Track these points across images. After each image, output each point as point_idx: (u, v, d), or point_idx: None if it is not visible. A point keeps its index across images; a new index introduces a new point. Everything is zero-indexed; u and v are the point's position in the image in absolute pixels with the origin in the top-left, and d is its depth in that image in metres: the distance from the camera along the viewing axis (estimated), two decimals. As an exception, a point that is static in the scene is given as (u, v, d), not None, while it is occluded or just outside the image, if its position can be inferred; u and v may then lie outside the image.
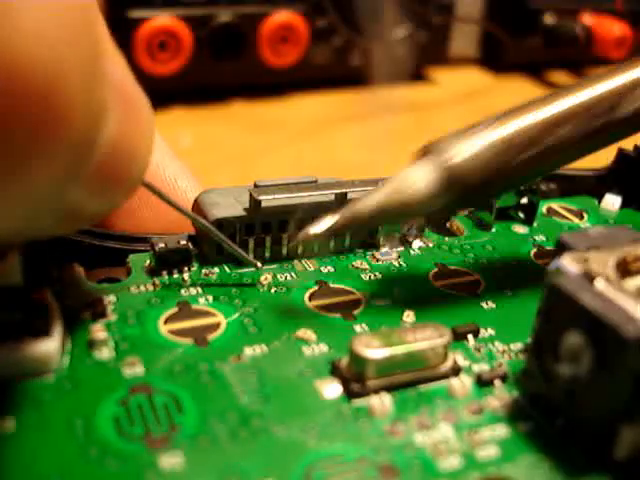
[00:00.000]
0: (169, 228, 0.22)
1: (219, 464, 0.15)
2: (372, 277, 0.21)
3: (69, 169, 0.13)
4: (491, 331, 0.19)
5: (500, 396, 0.17)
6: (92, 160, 0.13)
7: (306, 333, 0.19)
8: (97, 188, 0.14)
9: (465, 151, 0.18)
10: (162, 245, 0.20)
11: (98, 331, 0.17)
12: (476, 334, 0.19)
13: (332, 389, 0.17)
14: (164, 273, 0.20)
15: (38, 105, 0.12)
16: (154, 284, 0.20)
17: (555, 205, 0.27)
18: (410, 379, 0.17)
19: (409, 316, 0.20)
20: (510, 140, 0.19)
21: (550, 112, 0.19)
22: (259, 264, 0.20)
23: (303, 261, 0.22)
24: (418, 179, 0.18)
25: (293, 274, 0.21)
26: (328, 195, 0.21)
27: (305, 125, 0.46)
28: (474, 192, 0.19)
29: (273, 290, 0.20)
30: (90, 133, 0.13)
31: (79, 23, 0.12)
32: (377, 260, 0.22)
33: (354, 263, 0.22)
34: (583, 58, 0.58)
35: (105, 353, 0.17)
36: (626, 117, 0.20)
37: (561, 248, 0.17)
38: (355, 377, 0.17)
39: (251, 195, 0.21)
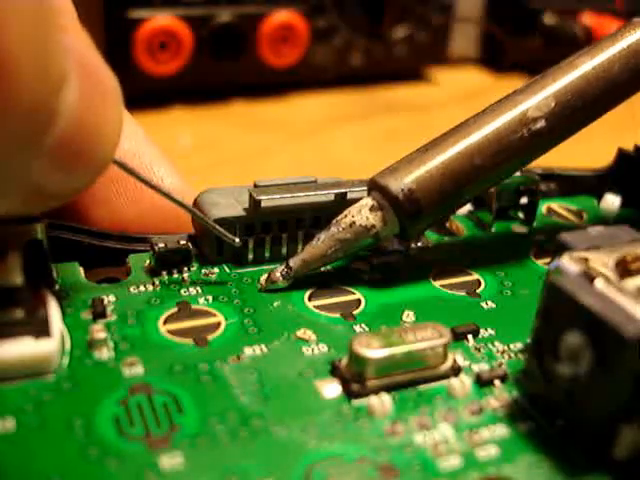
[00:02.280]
0: (146, 216, 0.22)
1: (219, 464, 0.15)
2: (372, 277, 0.21)
3: (28, 137, 0.13)
4: (491, 331, 0.19)
5: (500, 396, 0.17)
6: (54, 131, 0.13)
7: (306, 333, 0.19)
8: (62, 162, 0.14)
9: (406, 181, 0.20)
10: (162, 245, 0.20)
11: (98, 331, 0.17)
12: (476, 334, 0.19)
13: (332, 389, 0.17)
14: (164, 273, 0.20)
15: None
16: (154, 284, 0.20)
17: (555, 205, 0.27)
18: (410, 379, 0.17)
19: (409, 316, 0.20)
20: (447, 164, 0.20)
21: (472, 139, 0.20)
22: (237, 239, 0.20)
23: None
24: (363, 207, 0.20)
25: (293, 274, 0.21)
26: (328, 195, 0.21)
27: (305, 125, 0.46)
28: (418, 217, 0.20)
29: (273, 290, 0.20)
30: (47, 100, 0.13)
31: None
32: (377, 260, 0.22)
33: (354, 263, 0.22)
34: (583, 58, 0.58)
35: (105, 353, 0.17)
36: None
37: (561, 248, 0.17)
38: (355, 377, 0.17)
39: (251, 195, 0.21)
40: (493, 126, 0.20)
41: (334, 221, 0.20)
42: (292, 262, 0.20)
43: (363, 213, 0.20)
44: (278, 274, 0.20)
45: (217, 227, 0.20)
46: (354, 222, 0.20)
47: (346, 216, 0.20)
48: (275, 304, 0.20)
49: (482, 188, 0.21)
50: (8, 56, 0.12)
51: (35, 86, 0.13)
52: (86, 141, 0.14)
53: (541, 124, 0.20)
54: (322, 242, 0.20)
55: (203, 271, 0.21)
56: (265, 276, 0.20)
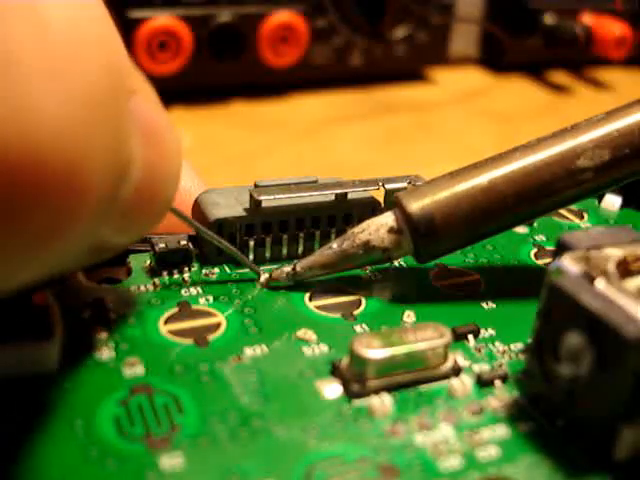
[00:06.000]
0: (177, 228, 0.22)
1: (219, 464, 0.15)
2: (372, 277, 0.21)
3: (95, 224, 0.13)
4: (491, 331, 0.19)
5: (500, 396, 0.17)
6: (118, 205, 0.13)
7: (306, 333, 0.19)
8: (125, 224, 0.14)
9: (425, 202, 0.19)
10: (162, 245, 0.20)
11: (98, 331, 0.17)
12: (476, 334, 0.19)
13: (332, 389, 0.17)
14: (164, 273, 0.20)
15: (59, 190, 0.11)
16: (154, 284, 0.20)
17: (555, 205, 0.27)
18: (410, 379, 0.17)
19: (409, 316, 0.20)
20: (478, 200, 0.19)
21: (505, 170, 0.19)
22: (263, 277, 0.20)
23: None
24: (382, 227, 0.20)
25: (293, 274, 0.21)
26: (328, 195, 0.21)
27: (305, 125, 0.46)
28: (428, 241, 0.19)
29: (273, 290, 0.20)
30: (114, 189, 0.13)
31: (105, 90, 0.12)
32: (377, 260, 0.22)
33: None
34: (583, 58, 0.58)
35: (105, 353, 0.17)
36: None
37: (561, 248, 0.17)
38: (355, 377, 0.17)
39: (251, 195, 0.21)
40: (536, 168, 0.19)
41: (350, 232, 0.20)
42: (299, 266, 0.20)
43: (380, 233, 0.20)
44: (284, 274, 0.20)
45: (246, 259, 0.20)
46: (369, 241, 0.20)
47: (363, 231, 0.20)
48: (276, 304, 0.20)
49: (509, 226, 0.21)
50: (77, 162, 0.11)
51: (104, 188, 0.12)
52: (147, 200, 0.14)
53: (588, 175, 0.19)
54: (333, 252, 0.20)
55: (203, 271, 0.21)
56: (267, 275, 0.20)
